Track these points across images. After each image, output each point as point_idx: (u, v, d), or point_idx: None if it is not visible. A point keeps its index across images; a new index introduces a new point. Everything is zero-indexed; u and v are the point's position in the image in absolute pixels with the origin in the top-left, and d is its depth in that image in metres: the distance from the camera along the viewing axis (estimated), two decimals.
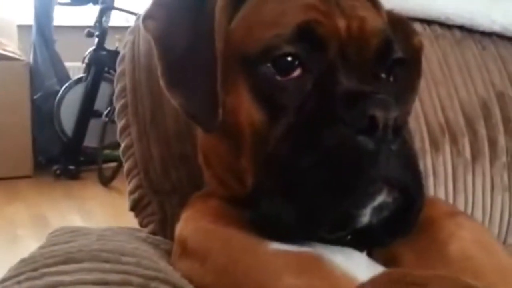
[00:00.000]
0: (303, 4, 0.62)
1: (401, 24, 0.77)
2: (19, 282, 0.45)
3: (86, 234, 0.61)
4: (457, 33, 1.09)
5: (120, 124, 0.90)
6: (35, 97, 4.17)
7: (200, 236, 0.63)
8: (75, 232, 0.63)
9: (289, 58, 0.60)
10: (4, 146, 3.93)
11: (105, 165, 4.05)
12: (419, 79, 0.80)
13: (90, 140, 4.16)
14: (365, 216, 0.56)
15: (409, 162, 0.57)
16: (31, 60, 4.26)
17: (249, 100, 0.62)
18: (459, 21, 1.08)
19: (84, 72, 4.21)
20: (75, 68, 4.42)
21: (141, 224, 0.87)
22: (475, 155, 1.01)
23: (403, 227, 0.60)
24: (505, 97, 1.05)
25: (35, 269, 0.46)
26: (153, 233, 0.84)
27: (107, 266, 0.47)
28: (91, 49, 4.16)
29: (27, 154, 4.10)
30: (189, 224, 0.66)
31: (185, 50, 0.64)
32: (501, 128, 1.03)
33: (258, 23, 0.64)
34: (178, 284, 0.54)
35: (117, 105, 0.92)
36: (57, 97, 4.17)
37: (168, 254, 0.68)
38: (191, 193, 0.76)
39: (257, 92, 0.61)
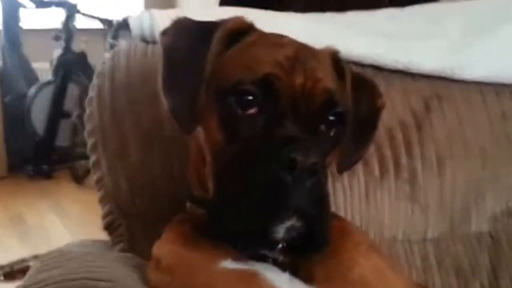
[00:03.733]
0: (273, 59, 0.78)
1: (367, 86, 0.93)
2: None
3: (71, 259, 0.80)
4: (369, 71, 1.26)
5: (92, 159, 1.08)
6: (5, 100, 4.29)
7: (171, 257, 0.79)
8: (63, 256, 0.83)
9: (249, 97, 0.75)
10: None
11: (77, 163, 4.22)
12: (374, 133, 0.94)
13: (62, 140, 4.34)
14: (279, 234, 0.70)
15: (318, 198, 0.71)
16: (0, 64, 4.37)
17: (215, 123, 0.78)
18: (368, 61, 1.25)
19: (53, 75, 4.34)
20: (43, 69, 4.55)
21: (113, 242, 1.06)
22: (383, 173, 1.20)
23: (311, 246, 0.74)
24: (406, 124, 1.23)
25: None
26: (123, 249, 1.03)
27: None
28: (58, 51, 4.30)
29: (1, 156, 4.23)
30: (164, 245, 0.82)
31: (183, 65, 0.79)
32: (403, 150, 1.22)
33: (238, 63, 0.79)
34: None
35: (89, 143, 1.09)
36: (28, 100, 4.30)
37: (137, 268, 0.87)
38: (152, 216, 0.97)
39: (222, 118, 0.77)
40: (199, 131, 0.82)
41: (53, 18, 4.52)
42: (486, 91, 1.33)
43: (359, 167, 1.19)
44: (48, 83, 4.37)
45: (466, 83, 1.32)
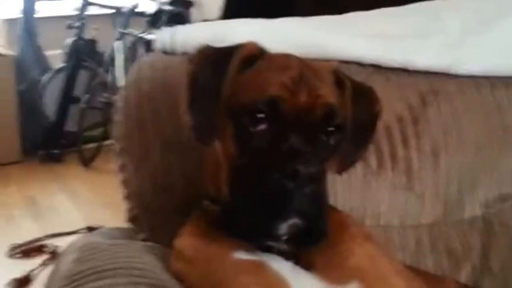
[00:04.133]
0: (279, 81, 0.88)
1: (366, 93, 1.02)
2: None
3: (103, 251, 0.91)
4: (369, 68, 1.34)
5: (119, 162, 1.19)
6: (20, 87, 4.37)
7: (190, 248, 0.91)
8: (95, 249, 0.94)
9: (259, 116, 0.86)
10: None
11: (85, 147, 4.34)
12: (372, 136, 1.04)
13: (71, 125, 4.44)
14: (283, 230, 0.81)
15: (316, 200, 0.82)
16: (16, 52, 4.45)
17: (230, 137, 0.88)
18: (367, 61, 1.34)
19: (64, 61, 4.43)
20: (55, 56, 4.61)
21: (136, 232, 1.18)
22: (380, 166, 1.28)
23: (311, 239, 0.85)
24: (404, 119, 1.30)
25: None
26: (145, 238, 1.15)
27: (129, 279, 0.79)
28: (70, 39, 4.38)
29: (15, 142, 4.35)
30: (184, 239, 0.93)
31: (204, 88, 0.90)
32: (399, 143, 1.29)
33: (250, 85, 0.89)
34: (171, 285, 0.86)
35: (117, 148, 1.20)
36: (40, 87, 4.40)
37: (161, 257, 0.97)
38: (171, 211, 1.08)
39: (236, 133, 0.88)
40: (216, 142, 0.93)
41: (65, 5, 4.63)
42: (482, 84, 1.39)
43: None
44: (60, 70, 4.45)
45: (462, 77, 1.38)
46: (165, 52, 1.28)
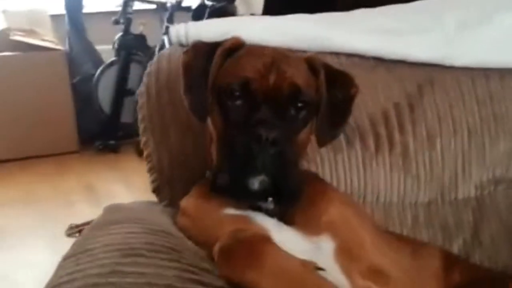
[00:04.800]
0: (253, 66, 1.05)
1: (341, 78, 1.15)
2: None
3: (129, 210, 1.12)
4: (372, 61, 1.46)
5: (143, 140, 1.38)
6: (73, 81, 4.59)
7: (191, 207, 1.12)
8: (122, 208, 1.15)
9: (236, 94, 1.04)
10: (52, 127, 4.45)
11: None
12: (348, 115, 1.17)
13: (127, 116, 4.62)
14: (254, 185, 0.98)
15: (282, 162, 0.98)
16: (66, 47, 4.66)
17: (217, 113, 1.06)
18: (371, 54, 1.46)
19: (115, 56, 4.63)
20: (107, 51, 4.82)
21: (159, 201, 1.37)
22: (378, 149, 1.39)
23: (284, 196, 1.03)
24: (400, 106, 1.42)
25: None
26: (166, 205, 1.33)
27: (138, 225, 1.00)
28: (119, 35, 4.58)
29: (73, 133, 4.59)
30: (187, 200, 1.14)
31: (196, 75, 1.08)
32: (396, 128, 1.40)
33: (230, 71, 1.08)
34: (175, 233, 1.06)
35: (140, 127, 1.38)
36: (94, 80, 4.59)
37: (171, 216, 1.17)
38: (186, 182, 1.26)
39: (220, 110, 1.06)
40: (208, 119, 1.12)
41: (113, 1, 4.86)
42: (476, 76, 1.49)
43: (357, 143, 1.39)
44: (111, 64, 4.66)
45: (458, 69, 1.48)
46: (181, 45, 1.42)
